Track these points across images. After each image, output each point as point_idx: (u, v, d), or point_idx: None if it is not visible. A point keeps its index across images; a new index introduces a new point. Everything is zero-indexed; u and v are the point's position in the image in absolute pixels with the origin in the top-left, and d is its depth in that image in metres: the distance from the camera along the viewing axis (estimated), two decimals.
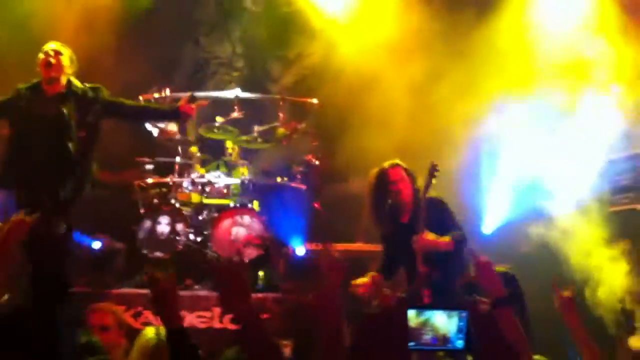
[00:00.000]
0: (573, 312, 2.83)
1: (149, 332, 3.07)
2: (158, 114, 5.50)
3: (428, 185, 4.89)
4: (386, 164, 5.13)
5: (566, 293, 2.88)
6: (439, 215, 4.96)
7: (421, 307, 2.14)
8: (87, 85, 5.08)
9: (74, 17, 7.54)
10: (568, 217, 6.20)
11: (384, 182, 5.08)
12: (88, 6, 7.66)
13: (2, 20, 7.10)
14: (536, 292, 4.84)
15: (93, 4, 7.70)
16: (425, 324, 2.15)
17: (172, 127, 6.78)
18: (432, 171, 4.88)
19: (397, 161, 5.14)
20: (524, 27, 7.22)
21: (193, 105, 5.24)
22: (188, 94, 5.24)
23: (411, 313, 2.14)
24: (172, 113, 5.30)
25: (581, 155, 6.45)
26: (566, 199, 6.34)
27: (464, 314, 2.13)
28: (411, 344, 2.09)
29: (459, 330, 2.14)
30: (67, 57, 4.99)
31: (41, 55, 4.97)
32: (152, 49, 8.10)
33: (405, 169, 5.11)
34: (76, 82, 5.05)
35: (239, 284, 2.08)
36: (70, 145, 4.82)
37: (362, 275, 6.27)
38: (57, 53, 4.96)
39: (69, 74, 5.00)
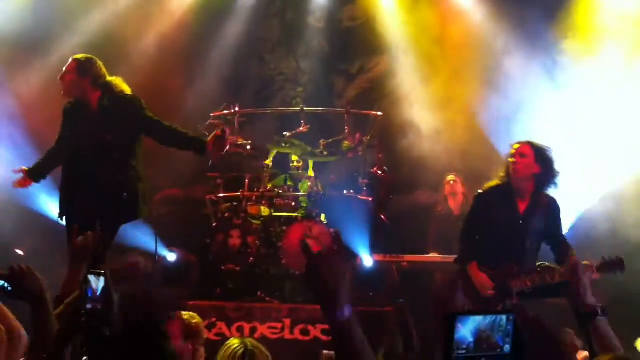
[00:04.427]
0: None
1: (234, 342, 3.02)
2: (187, 143, 4.98)
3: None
4: None
5: None
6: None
7: (468, 312, 2.11)
8: (126, 94, 4.92)
9: (146, 40, 7.88)
10: None
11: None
12: (157, 30, 7.98)
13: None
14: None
15: (163, 28, 8.01)
16: (493, 326, 2.12)
17: (241, 141, 6.97)
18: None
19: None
20: None
21: (220, 147, 4.80)
22: (218, 131, 4.79)
23: (478, 318, 2.10)
24: (201, 147, 4.86)
25: None
26: None
27: (511, 317, 2.10)
28: (461, 352, 2.05)
29: (506, 334, 2.11)
30: (77, 72, 4.83)
31: None
32: (220, 69, 8.34)
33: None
34: (117, 90, 4.88)
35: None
36: (108, 165, 4.76)
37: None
38: (65, 73, 4.85)
39: (91, 85, 4.84)
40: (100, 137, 4.79)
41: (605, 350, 2.43)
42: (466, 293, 4.69)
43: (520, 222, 4.76)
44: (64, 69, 4.92)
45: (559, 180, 4.73)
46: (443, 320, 2.05)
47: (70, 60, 4.94)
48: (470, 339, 2.01)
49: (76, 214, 4.81)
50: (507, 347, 2.06)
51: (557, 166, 4.74)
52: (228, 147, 4.90)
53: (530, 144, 4.77)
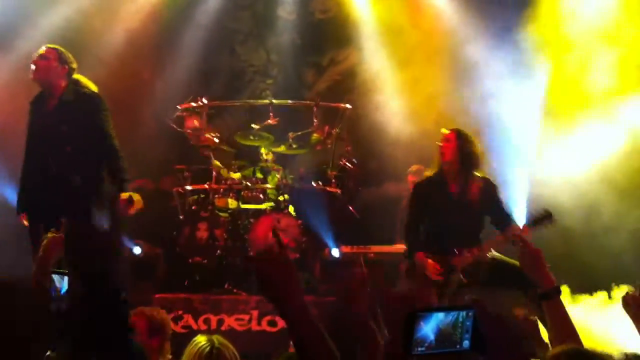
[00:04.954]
0: None
1: (201, 339, 2.95)
2: (113, 175, 4.84)
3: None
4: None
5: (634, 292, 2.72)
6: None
7: (427, 309, 2.11)
8: (91, 91, 4.91)
9: (114, 32, 7.80)
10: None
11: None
12: (127, 22, 7.89)
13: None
14: None
15: (132, 20, 7.93)
16: (455, 323, 2.12)
17: (209, 134, 6.95)
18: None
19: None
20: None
21: (128, 206, 4.82)
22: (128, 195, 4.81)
23: (440, 315, 2.10)
24: (119, 188, 4.82)
25: None
26: None
27: (470, 313, 2.10)
28: (421, 349, 2.05)
29: (466, 330, 2.11)
30: (54, 60, 4.84)
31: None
32: (190, 60, 8.28)
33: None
34: (82, 85, 4.90)
35: (289, 281, 1.82)
36: (61, 158, 4.72)
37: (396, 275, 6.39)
38: (41, 57, 4.85)
39: (63, 75, 4.87)
40: (55, 128, 4.77)
41: (560, 330, 2.45)
42: (418, 281, 4.90)
43: (454, 202, 5.04)
44: (39, 53, 4.90)
45: (481, 163, 5.10)
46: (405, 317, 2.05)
47: (46, 47, 4.93)
48: (432, 337, 2.02)
49: (32, 208, 4.78)
50: (466, 343, 2.07)
51: (479, 151, 5.10)
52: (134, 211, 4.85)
53: (455, 131, 5.12)
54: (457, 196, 5.04)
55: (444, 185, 5.09)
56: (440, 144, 5.09)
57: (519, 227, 4.81)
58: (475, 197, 5.02)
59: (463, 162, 5.03)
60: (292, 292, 1.77)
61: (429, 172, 5.31)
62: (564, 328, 2.45)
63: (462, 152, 5.03)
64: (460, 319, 2.06)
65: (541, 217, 4.72)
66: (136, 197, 4.85)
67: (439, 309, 2.08)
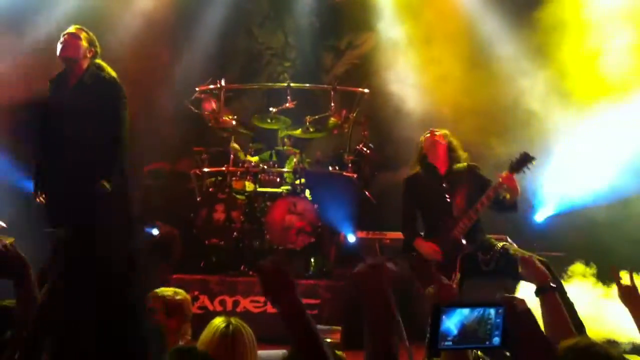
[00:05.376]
0: (637, 300, 2.75)
1: (218, 320, 3.02)
2: (103, 166, 4.75)
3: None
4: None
5: (627, 282, 2.82)
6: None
7: (456, 304, 2.13)
8: (111, 76, 4.94)
9: (131, 14, 7.79)
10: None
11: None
12: (144, 4, 7.88)
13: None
14: None
15: (149, 2, 7.91)
16: (480, 320, 2.14)
17: (227, 116, 6.97)
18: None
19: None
20: None
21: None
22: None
23: (465, 311, 2.12)
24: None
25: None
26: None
27: (500, 310, 2.13)
28: (447, 343, 2.07)
29: (496, 327, 2.14)
30: (84, 40, 4.89)
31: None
32: (207, 42, 8.27)
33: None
34: (102, 69, 4.93)
35: (282, 281, 2.06)
36: (86, 137, 4.70)
37: None
38: (73, 36, 4.88)
39: (88, 57, 4.92)
40: (72, 108, 4.79)
41: (556, 322, 2.52)
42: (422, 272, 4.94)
43: (444, 184, 5.13)
44: (70, 31, 4.91)
45: (462, 160, 5.19)
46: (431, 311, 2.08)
47: (76, 27, 4.95)
48: (455, 332, 2.06)
49: (45, 189, 4.83)
50: (496, 340, 2.10)
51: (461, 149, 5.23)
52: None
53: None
54: (446, 177, 5.14)
55: (433, 168, 5.19)
56: (427, 134, 5.25)
57: (502, 175, 4.80)
58: (462, 182, 5.10)
59: (450, 147, 5.19)
60: (291, 299, 2.03)
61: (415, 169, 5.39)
62: (557, 321, 2.54)
63: (450, 141, 5.23)
64: (488, 316, 2.10)
65: (521, 161, 4.74)
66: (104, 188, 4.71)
67: (465, 305, 2.10)
